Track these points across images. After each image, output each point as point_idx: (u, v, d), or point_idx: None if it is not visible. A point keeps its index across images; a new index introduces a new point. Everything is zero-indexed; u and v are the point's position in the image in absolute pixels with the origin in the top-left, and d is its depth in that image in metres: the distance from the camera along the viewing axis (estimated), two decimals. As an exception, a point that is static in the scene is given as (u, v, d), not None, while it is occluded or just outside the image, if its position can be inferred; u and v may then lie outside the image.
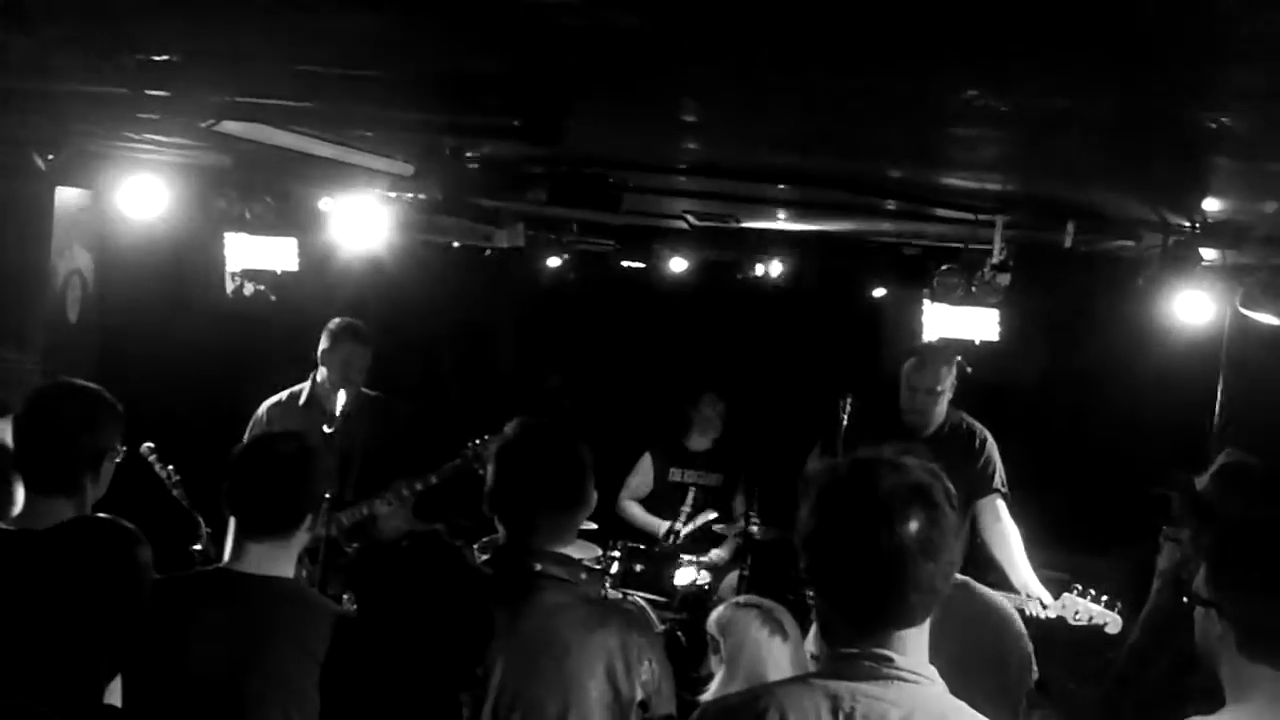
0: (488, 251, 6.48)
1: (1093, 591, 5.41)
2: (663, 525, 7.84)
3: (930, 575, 2.28)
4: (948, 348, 6.05)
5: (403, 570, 2.96)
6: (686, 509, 7.97)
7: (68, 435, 3.67)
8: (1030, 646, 4.01)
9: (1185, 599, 2.67)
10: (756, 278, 9.57)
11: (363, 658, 3.03)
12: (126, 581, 3.54)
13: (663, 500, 8.07)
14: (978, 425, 6.27)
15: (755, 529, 7.09)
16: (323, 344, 6.66)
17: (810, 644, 4.06)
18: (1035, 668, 4.02)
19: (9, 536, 3.57)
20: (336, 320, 6.74)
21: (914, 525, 2.27)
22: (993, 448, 6.20)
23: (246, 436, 6.15)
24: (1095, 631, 5.38)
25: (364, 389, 6.82)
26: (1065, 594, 5.47)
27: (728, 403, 8.28)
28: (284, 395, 6.74)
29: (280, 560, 3.43)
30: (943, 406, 6.16)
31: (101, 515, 3.69)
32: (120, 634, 3.43)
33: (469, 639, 2.94)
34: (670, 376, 8.99)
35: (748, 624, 4.17)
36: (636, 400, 8.96)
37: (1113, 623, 5.30)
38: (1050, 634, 5.62)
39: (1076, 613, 5.34)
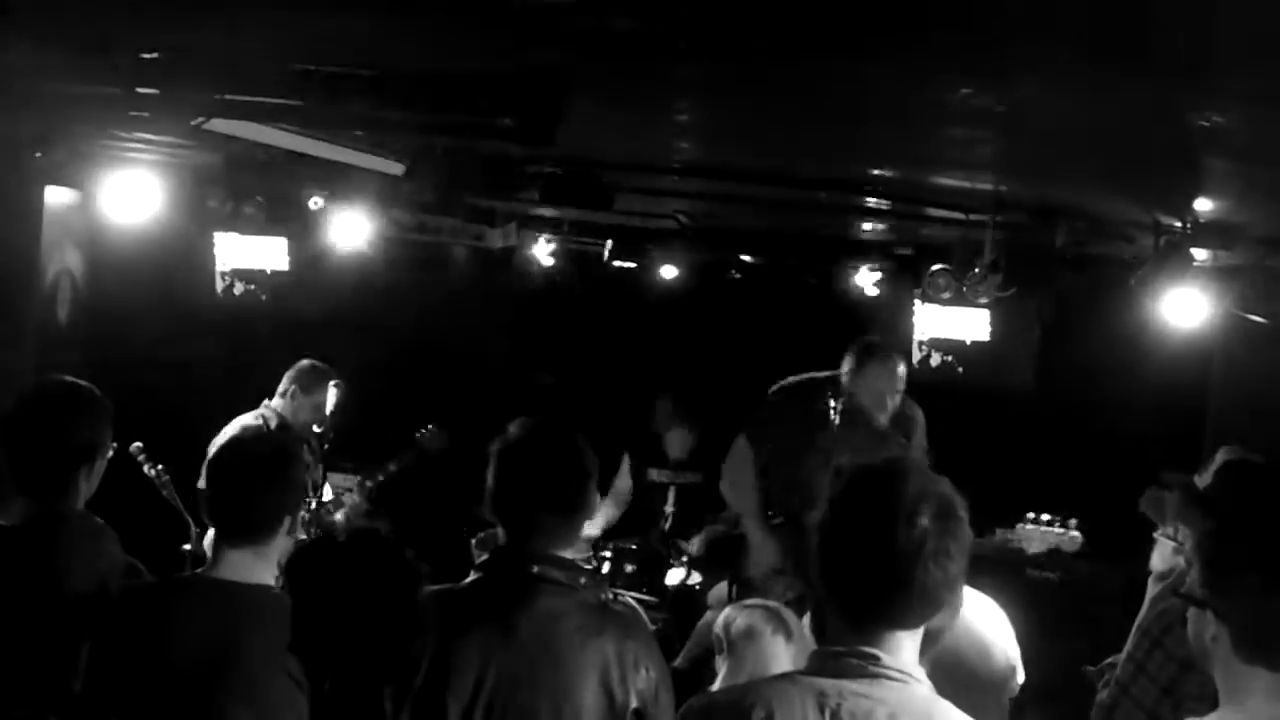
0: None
1: (1045, 515, 5.39)
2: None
3: (937, 582, 2.30)
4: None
5: (336, 564, 2.93)
6: (669, 509, 7.97)
7: (60, 433, 3.63)
8: (1017, 648, 4.01)
9: (1179, 599, 2.67)
10: (746, 276, 9.58)
11: (292, 648, 2.98)
12: (96, 574, 3.50)
13: (644, 501, 8.07)
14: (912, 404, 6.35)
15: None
16: (295, 386, 6.77)
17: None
18: (1021, 669, 4.03)
19: None
20: (308, 363, 6.86)
21: (933, 529, 2.29)
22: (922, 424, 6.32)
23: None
24: (1094, 636, 5.38)
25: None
26: (1020, 525, 5.45)
27: (714, 402, 8.30)
28: (250, 421, 6.80)
29: (259, 566, 3.33)
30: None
31: (69, 509, 3.63)
32: (90, 627, 3.38)
33: (395, 634, 2.92)
34: (652, 377, 8.97)
35: (753, 624, 4.17)
36: (617, 401, 8.90)
37: (1068, 541, 5.29)
38: (1047, 638, 5.63)
39: (1035, 538, 5.34)
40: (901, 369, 6.06)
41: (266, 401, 6.97)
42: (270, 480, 3.41)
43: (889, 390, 6.02)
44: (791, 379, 6.55)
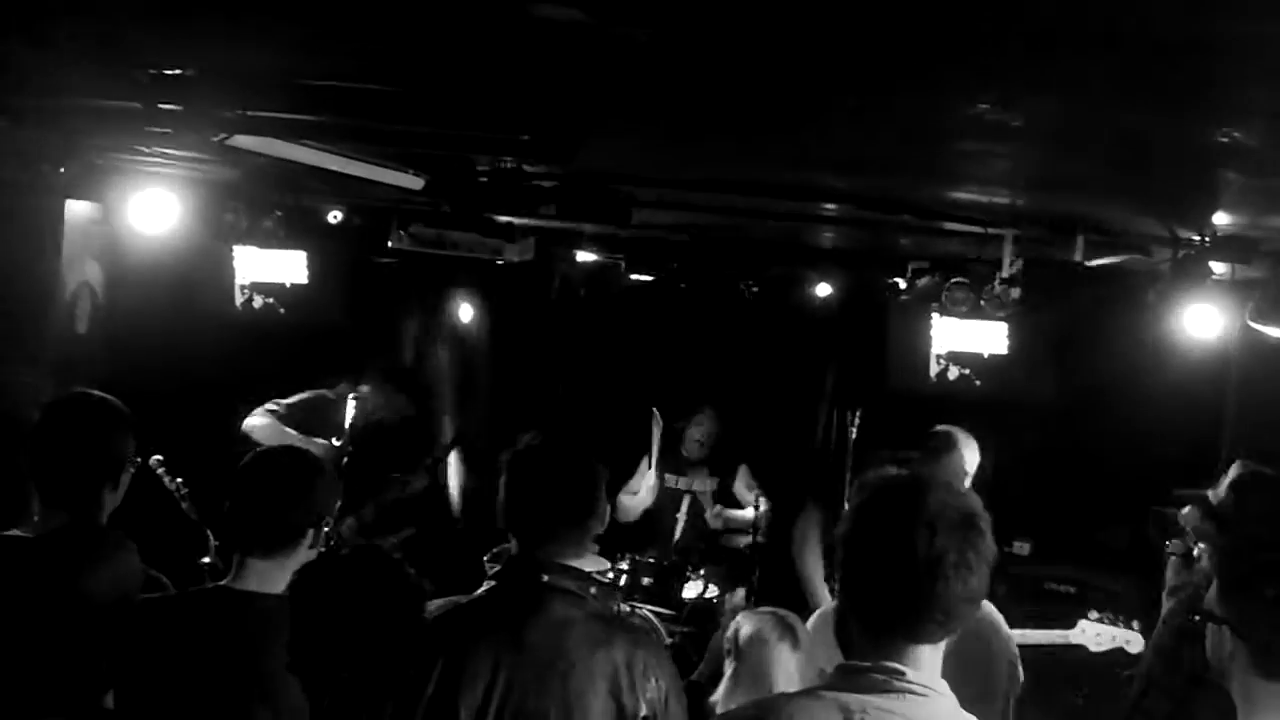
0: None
1: (1109, 614, 5.37)
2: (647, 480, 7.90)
3: (956, 596, 2.30)
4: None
5: (336, 580, 2.95)
6: (682, 516, 8.00)
7: (87, 445, 3.65)
8: (1016, 650, 4.04)
9: (1196, 616, 2.66)
10: (762, 290, 9.58)
11: (292, 663, 2.99)
12: (117, 587, 3.52)
13: (663, 505, 8.10)
14: None
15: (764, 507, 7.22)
16: (390, 385, 6.95)
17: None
18: (1021, 671, 4.06)
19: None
20: (405, 364, 7.05)
21: (954, 542, 2.29)
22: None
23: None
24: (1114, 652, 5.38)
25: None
26: (1083, 620, 5.43)
27: (728, 411, 8.34)
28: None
29: (281, 578, 3.32)
30: None
31: (92, 521, 3.64)
32: (112, 640, 3.39)
33: (396, 650, 2.93)
34: (671, 384, 8.98)
35: (760, 628, 4.20)
36: (638, 408, 8.91)
37: (1134, 641, 5.27)
38: (1060, 653, 5.62)
39: (1098, 636, 5.32)
40: (969, 458, 5.47)
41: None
42: (295, 493, 3.43)
43: (959, 481, 5.42)
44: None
